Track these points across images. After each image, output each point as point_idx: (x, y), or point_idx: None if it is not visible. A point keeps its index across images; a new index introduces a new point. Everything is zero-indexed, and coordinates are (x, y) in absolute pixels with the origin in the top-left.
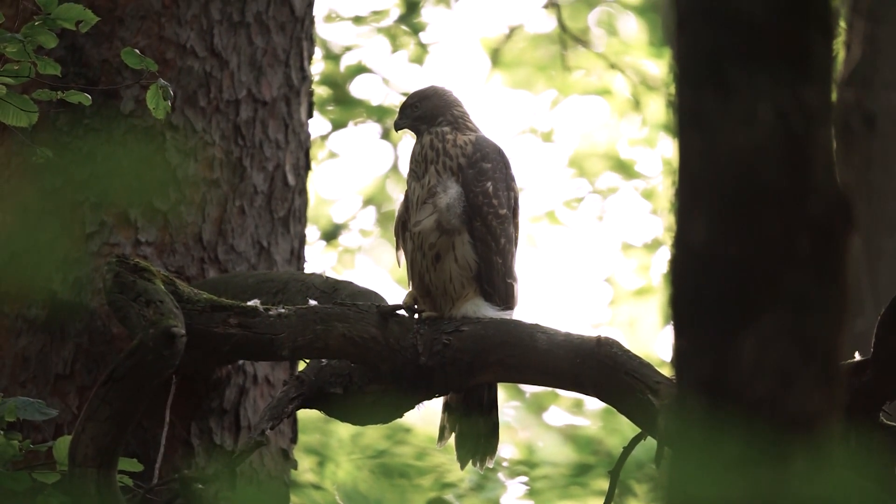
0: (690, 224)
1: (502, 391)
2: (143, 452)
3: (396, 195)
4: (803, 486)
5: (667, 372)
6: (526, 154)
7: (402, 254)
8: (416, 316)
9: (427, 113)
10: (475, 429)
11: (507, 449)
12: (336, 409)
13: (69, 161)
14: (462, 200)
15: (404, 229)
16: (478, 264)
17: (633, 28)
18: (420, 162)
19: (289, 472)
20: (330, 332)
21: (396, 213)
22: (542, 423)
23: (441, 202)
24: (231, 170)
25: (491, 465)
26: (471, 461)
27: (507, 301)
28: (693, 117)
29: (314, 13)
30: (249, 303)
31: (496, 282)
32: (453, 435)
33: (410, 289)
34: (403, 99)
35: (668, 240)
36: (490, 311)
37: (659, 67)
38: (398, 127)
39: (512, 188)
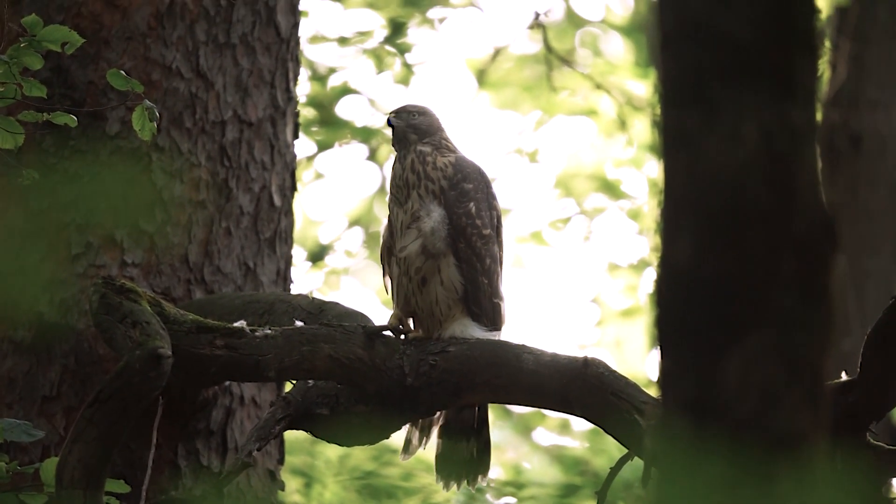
0: (675, 244)
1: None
2: (129, 474)
3: (383, 216)
4: None
5: (654, 392)
6: (512, 174)
7: (388, 279)
8: (403, 337)
9: (421, 126)
10: (458, 454)
11: (495, 470)
12: (323, 429)
13: (55, 182)
14: (446, 223)
15: (390, 254)
16: (463, 286)
17: (619, 48)
18: (402, 187)
19: (276, 493)
20: (316, 353)
21: (382, 239)
22: (530, 443)
23: (425, 227)
24: (217, 191)
25: (484, 483)
26: (464, 481)
27: (495, 321)
28: (678, 137)
29: (299, 34)
30: (236, 324)
31: (483, 302)
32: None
33: (396, 310)
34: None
35: (653, 260)
36: (477, 332)
37: (645, 88)
38: (391, 122)
39: (494, 207)
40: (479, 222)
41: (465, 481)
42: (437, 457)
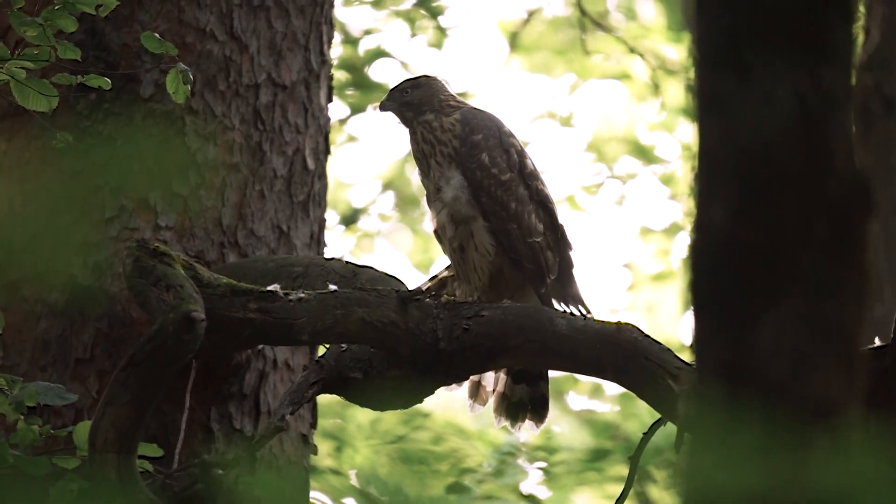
0: (709, 208)
1: None
2: (162, 437)
3: (415, 179)
4: (823, 472)
5: (687, 357)
6: (545, 139)
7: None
8: (437, 300)
9: (415, 101)
10: (517, 395)
11: (525, 434)
12: (356, 394)
13: (89, 145)
14: (465, 185)
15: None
16: (495, 246)
17: (652, 12)
18: (421, 160)
19: (308, 457)
20: (350, 316)
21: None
22: (561, 407)
23: (447, 196)
24: (251, 154)
25: (537, 430)
26: (521, 423)
27: (536, 261)
28: (712, 101)
29: None
30: (269, 287)
31: (518, 247)
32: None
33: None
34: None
35: (687, 224)
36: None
37: (678, 52)
38: (383, 108)
39: (511, 146)
40: (494, 171)
41: (521, 423)
42: (500, 395)
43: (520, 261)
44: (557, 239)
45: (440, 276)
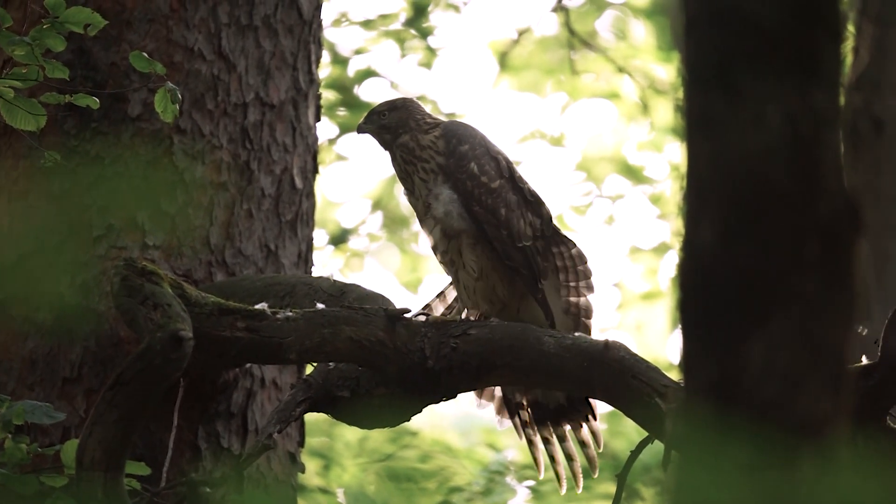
0: (698, 228)
1: None
2: (150, 455)
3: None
4: (812, 490)
5: (675, 376)
6: (534, 158)
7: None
8: (424, 319)
9: (392, 124)
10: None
11: (513, 453)
12: (343, 412)
13: (76, 164)
14: (455, 199)
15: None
16: (479, 267)
17: (642, 32)
18: (405, 179)
19: (296, 475)
20: (337, 335)
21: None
22: None
23: (437, 212)
24: (239, 173)
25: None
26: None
27: (529, 265)
28: (701, 121)
29: (322, 17)
30: (257, 306)
31: (511, 253)
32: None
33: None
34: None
35: (676, 244)
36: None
37: (667, 71)
38: (360, 130)
39: (497, 154)
40: (484, 179)
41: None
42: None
43: (517, 268)
44: (553, 240)
45: (444, 292)
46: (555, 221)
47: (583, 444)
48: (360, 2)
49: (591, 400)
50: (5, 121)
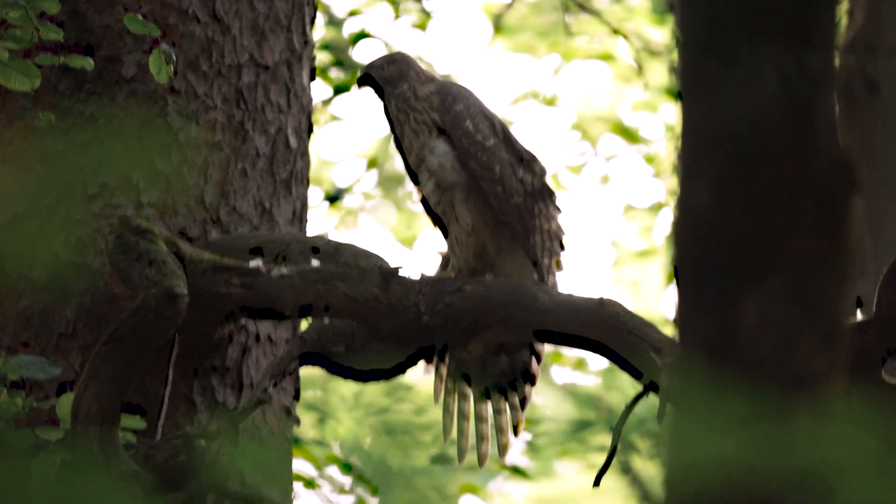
0: (693, 187)
1: None
2: (145, 410)
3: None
4: (807, 444)
5: (669, 332)
6: (528, 119)
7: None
8: (419, 276)
9: (392, 75)
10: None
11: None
12: (338, 366)
13: (71, 125)
14: (450, 153)
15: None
16: (472, 221)
17: None
18: (396, 127)
19: (291, 429)
20: (332, 291)
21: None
22: (544, 380)
23: (432, 165)
24: (233, 133)
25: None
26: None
27: (522, 219)
28: (696, 83)
29: None
30: (252, 263)
31: (505, 208)
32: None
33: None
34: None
35: (671, 203)
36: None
37: (662, 33)
38: (361, 83)
39: (490, 115)
40: (479, 137)
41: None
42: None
43: (509, 223)
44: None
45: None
46: (549, 179)
47: (511, 407)
48: None
49: (534, 371)
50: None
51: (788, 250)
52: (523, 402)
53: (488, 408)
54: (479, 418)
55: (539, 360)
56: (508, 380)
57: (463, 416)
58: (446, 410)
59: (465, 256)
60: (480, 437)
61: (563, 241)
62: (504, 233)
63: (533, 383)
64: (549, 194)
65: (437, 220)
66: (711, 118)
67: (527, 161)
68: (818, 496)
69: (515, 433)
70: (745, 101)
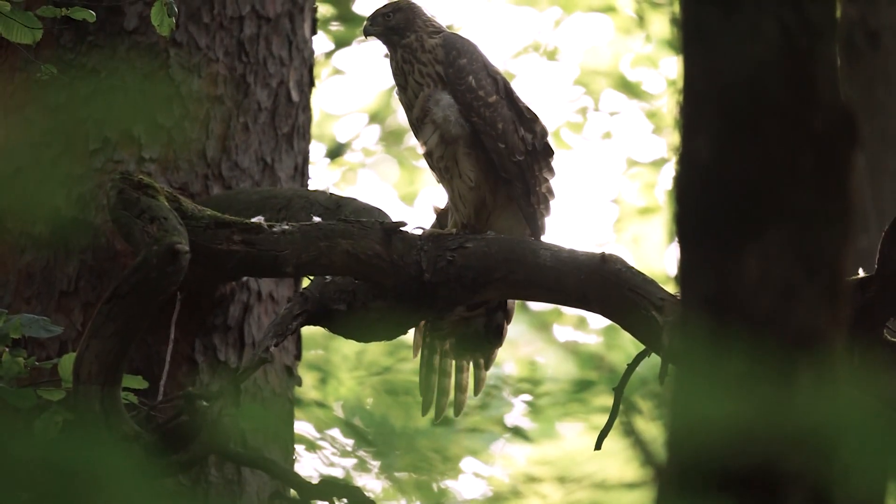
0: (694, 141)
1: None
2: (147, 369)
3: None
4: (808, 402)
5: (672, 289)
6: (530, 72)
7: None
8: (420, 231)
9: (399, 24)
10: (470, 329)
11: (511, 366)
12: (340, 325)
13: (73, 78)
14: (454, 106)
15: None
16: (476, 175)
17: None
18: (399, 77)
19: (293, 388)
20: (334, 248)
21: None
22: (545, 339)
23: (437, 117)
24: (235, 86)
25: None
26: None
27: (523, 177)
28: (697, 34)
29: None
30: (253, 219)
31: (507, 166)
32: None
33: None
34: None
35: (673, 157)
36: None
37: None
38: (367, 33)
39: (494, 73)
40: (481, 93)
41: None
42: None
43: (510, 181)
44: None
45: (445, 208)
46: (550, 138)
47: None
48: None
49: (503, 330)
50: (1, 34)
51: (789, 204)
52: (487, 361)
53: (464, 365)
54: (456, 371)
55: (509, 321)
56: (479, 339)
57: (437, 370)
58: (424, 365)
59: (468, 212)
60: (459, 389)
61: (551, 205)
62: (502, 189)
63: (500, 344)
64: (548, 155)
65: (440, 175)
66: (712, 70)
67: (528, 120)
68: (819, 456)
69: (476, 392)
70: (746, 52)
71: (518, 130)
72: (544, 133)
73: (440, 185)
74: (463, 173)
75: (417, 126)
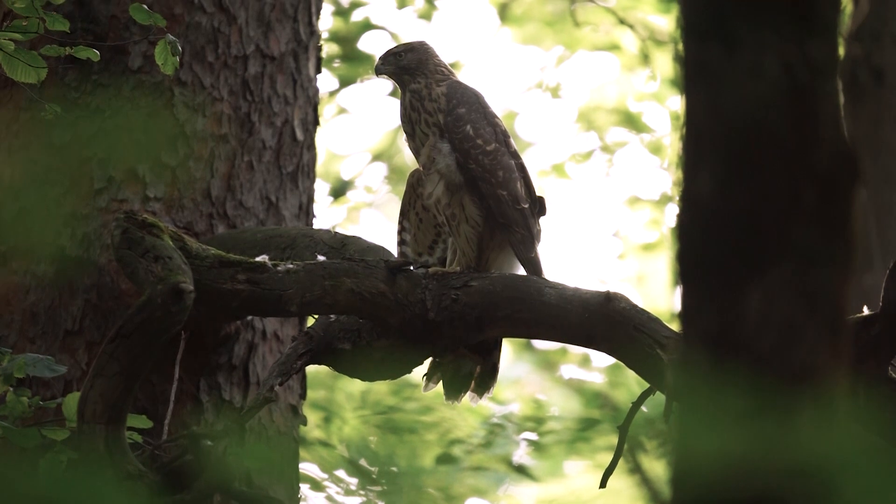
0: (697, 177)
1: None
2: (152, 408)
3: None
4: (810, 439)
5: (676, 326)
6: (534, 109)
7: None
8: (425, 271)
9: (410, 64)
10: (463, 369)
11: (516, 405)
12: (345, 364)
13: (77, 117)
14: (453, 154)
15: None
16: (482, 218)
17: None
18: (406, 124)
19: (298, 427)
20: (338, 287)
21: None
22: (550, 377)
23: (441, 166)
24: (239, 125)
25: (485, 400)
26: (465, 396)
27: (527, 225)
28: (699, 71)
29: None
30: (258, 258)
31: (508, 213)
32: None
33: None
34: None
35: (675, 194)
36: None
37: (667, 22)
38: (379, 71)
39: (495, 123)
40: (479, 141)
41: (469, 395)
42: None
43: (508, 226)
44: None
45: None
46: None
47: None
48: None
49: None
50: (6, 73)
51: (790, 242)
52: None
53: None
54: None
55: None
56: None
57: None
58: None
59: (474, 255)
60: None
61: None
62: (497, 235)
63: (495, 380)
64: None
65: (447, 222)
66: (713, 107)
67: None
68: (820, 492)
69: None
70: (747, 88)
71: (521, 180)
72: (533, 189)
73: (445, 231)
74: (470, 217)
75: (426, 174)
